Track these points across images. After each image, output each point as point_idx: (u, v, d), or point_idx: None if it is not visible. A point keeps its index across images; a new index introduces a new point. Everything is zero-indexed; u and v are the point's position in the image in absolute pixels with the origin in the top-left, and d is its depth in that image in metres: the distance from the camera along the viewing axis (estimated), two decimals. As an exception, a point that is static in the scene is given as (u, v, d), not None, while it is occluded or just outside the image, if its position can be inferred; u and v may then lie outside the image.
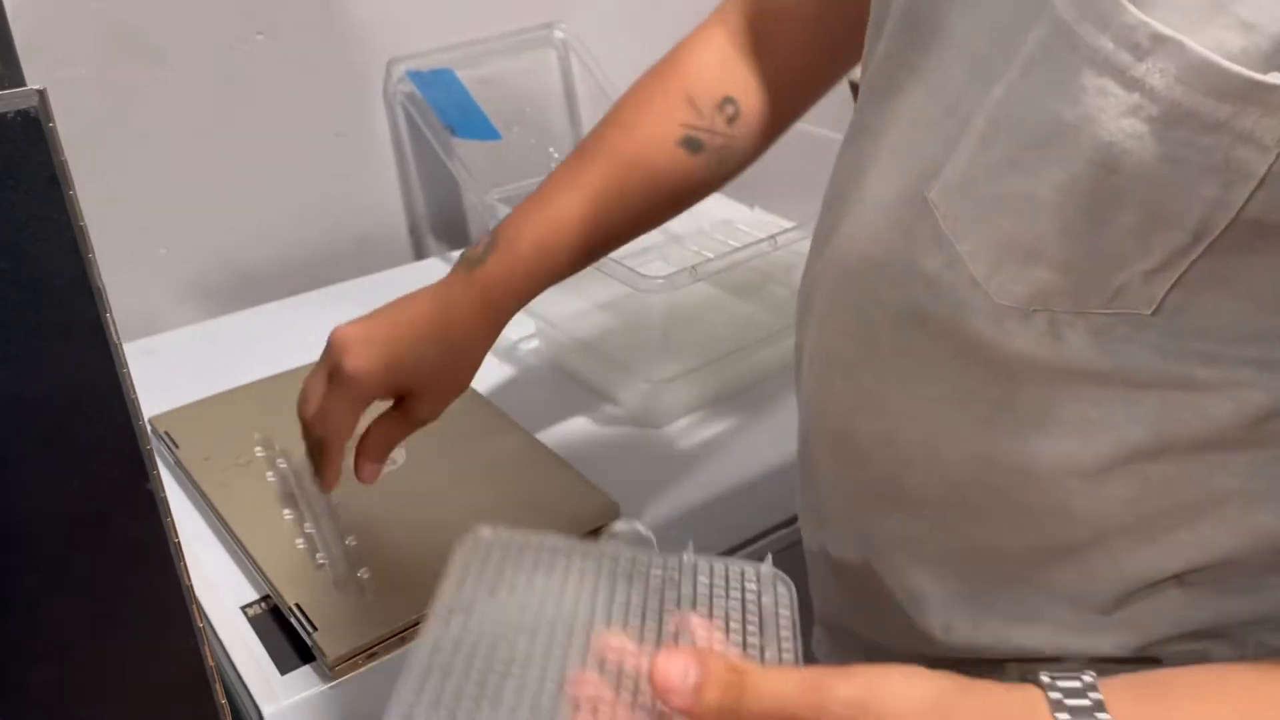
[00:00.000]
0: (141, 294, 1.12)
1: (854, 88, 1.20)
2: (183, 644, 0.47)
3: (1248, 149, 0.36)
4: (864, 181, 0.52)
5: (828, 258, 0.56)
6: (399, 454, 0.73)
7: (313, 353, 0.99)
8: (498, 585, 0.47)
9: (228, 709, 0.49)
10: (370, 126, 1.21)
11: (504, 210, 1.09)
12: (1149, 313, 0.42)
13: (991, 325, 0.46)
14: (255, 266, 1.18)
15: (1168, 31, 0.37)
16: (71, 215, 0.36)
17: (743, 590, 0.47)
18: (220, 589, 0.76)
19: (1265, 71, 0.35)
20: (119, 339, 0.39)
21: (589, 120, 1.35)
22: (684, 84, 0.69)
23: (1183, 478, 0.46)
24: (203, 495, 0.83)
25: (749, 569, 0.48)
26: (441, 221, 1.31)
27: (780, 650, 0.43)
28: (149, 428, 0.47)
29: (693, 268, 0.89)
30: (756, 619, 0.45)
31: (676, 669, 0.38)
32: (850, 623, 0.63)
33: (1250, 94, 0.36)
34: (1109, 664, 0.51)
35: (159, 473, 0.42)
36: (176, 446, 0.87)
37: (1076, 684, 0.39)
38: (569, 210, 0.67)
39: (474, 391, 0.94)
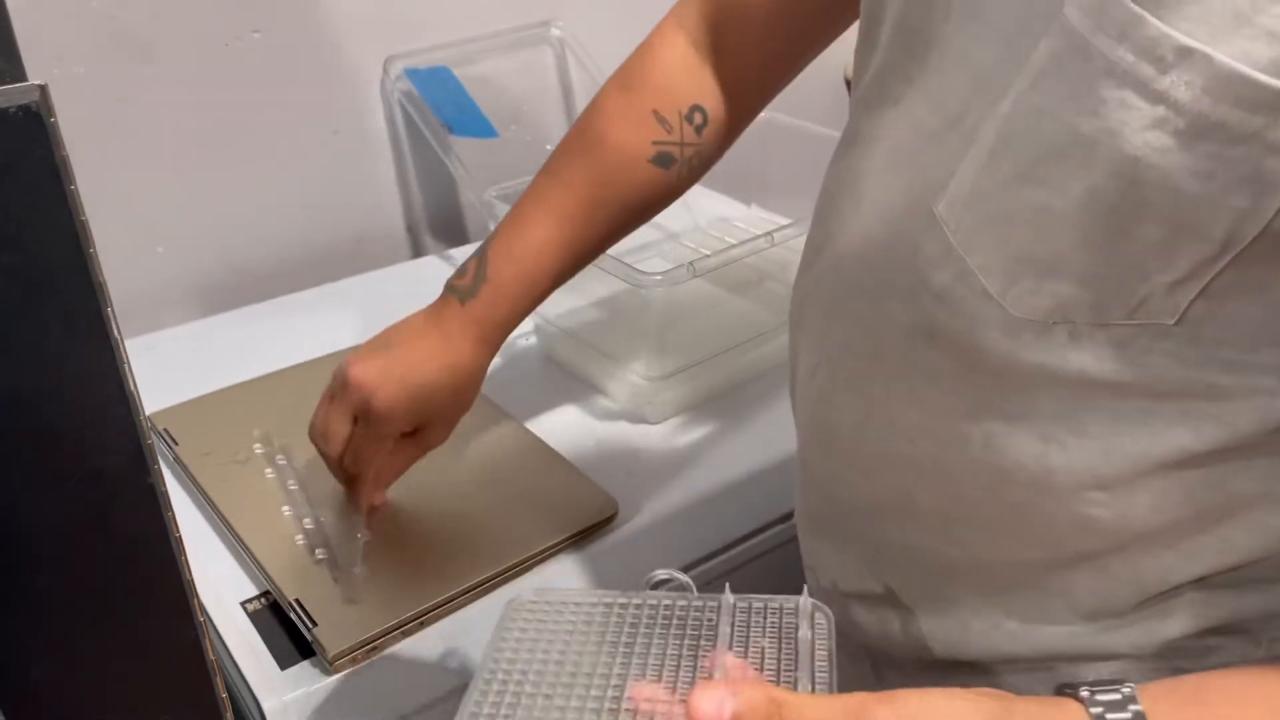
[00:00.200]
0: (139, 292, 1.12)
1: (850, 86, 1.20)
2: (184, 638, 0.47)
3: (1278, 159, 0.36)
4: (860, 193, 0.52)
5: (824, 269, 0.55)
6: None
7: (310, 350, 1.00)
8: (538, 645, 0.48)
9: (228, 703, 0.50)
10: (367, 124, 1.21)
11: (502, 208, 1.09)
12: (1172, 323, 0.41)
13: (1006, 338, 0.45)
14: (252, 264, 1.19)
15: (1193, 44, 0.36)
16: (73, 210, 0.36)
17: (780, 624, 0.47)
18: (220, 585, 0.76)
19: None
20: (120, 334, 0.39)
21: (586, 118, 1.35)
22: (651, 97, 0.70)
23: (1203, 484, 0.45)
24: (202, 492, 0.83)
25: (788, 603, 0.48)
26: (439, 219, 1.31)
27: (814, 682, 0.43)
28: (148, 424, 0.47)
29: (690, 264, 0.89)
30: (793, 652, 0.45)
31: (712, 703, 0.37)
32: (851, 629, 0.63)
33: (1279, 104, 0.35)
34: (1126, 661, 0.51)
35: (160, 467, 0.42)
36: (175, 443, 0.88)
37: (1116, 696, 0.39)
38: (549, 239, 0.70)
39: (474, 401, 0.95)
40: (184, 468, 0.85)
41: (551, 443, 0.89)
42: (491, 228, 1.11)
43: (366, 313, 1.09)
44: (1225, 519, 0.46)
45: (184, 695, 0.48)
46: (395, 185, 1.26)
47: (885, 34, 0.51)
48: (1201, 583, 0.49)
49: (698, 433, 0.93)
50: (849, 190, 0.53)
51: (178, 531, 0.44)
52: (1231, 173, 0.37)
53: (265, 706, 0.67)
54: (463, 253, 1.24)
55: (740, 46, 0.69)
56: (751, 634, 0.47)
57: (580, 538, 0.80)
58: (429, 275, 1.20)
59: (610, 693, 0.44)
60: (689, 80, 0.70)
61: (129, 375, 0.40)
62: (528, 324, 1.04)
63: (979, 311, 0.46)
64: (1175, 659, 0.51)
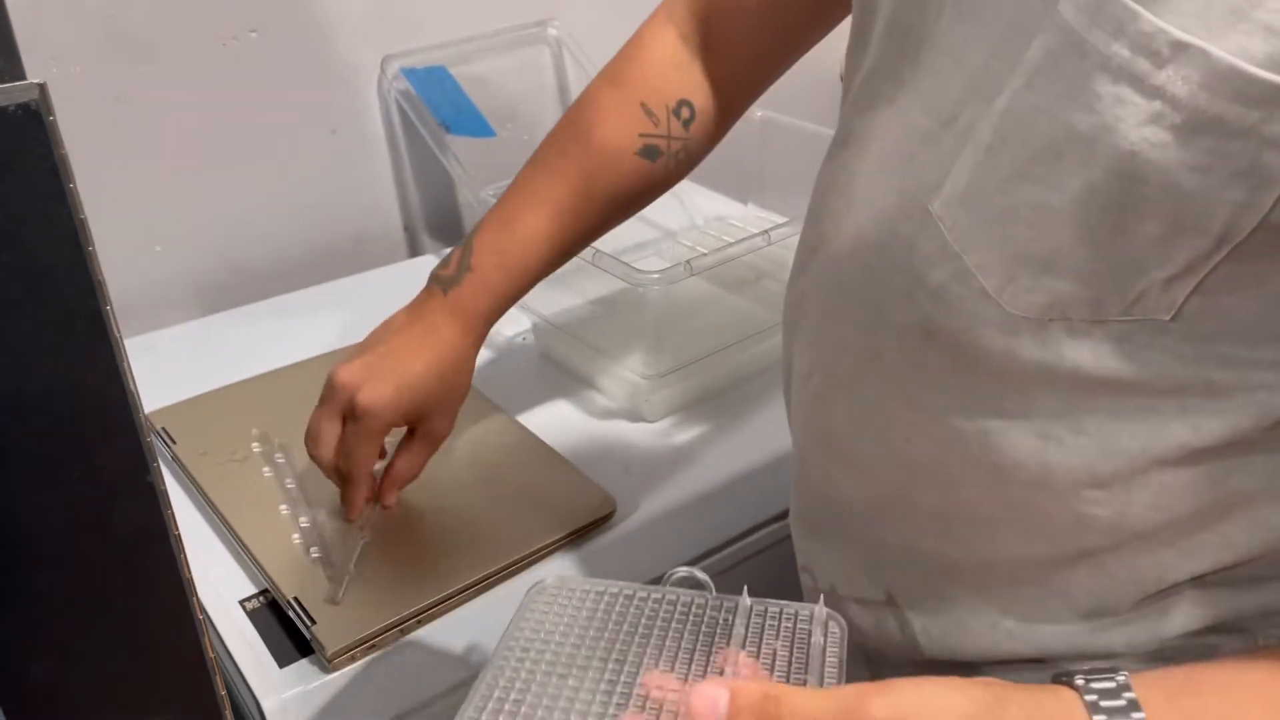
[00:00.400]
0: (138, 291, 1.12)
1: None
2: (183, 637, 0.47)
3: (1275, 153, 0.36)
4: (854, 194, 0.52)
5: (818, 270, 0.55)
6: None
7: (308, 349, 1.00)
8: (556, 629, 0.49)
9: (227, 701, 0.50)
10: (365, 124, 1.21)
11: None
12: (1168, 318, 0.41)
13: (1004, 336, 0.45)
14: (250, 264, 1.19)
15: (1189, 39, 0.36)
16: (72, 208, 0.36)
17: (794, 630, 0.48)
18: (218, 583, 0.76)
19: None
20: (119, 332, 0.39)
21: (583, 117, 1.35)
22: (639, 90, 0.70)
23: (1202, 481, 0.45)
24: (200, 490, 0.83)
25: (803, 610, 0.49)
26: (436, 218, 1.32)
27: (824, 686, 0.44)
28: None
29: (687, 263, 0.90)
30: (804, 657, 0.46)
31: (709, 697, 0.38)
32: (852, 633, 0.63)
33: (1277, 99, 0.35)
34: (1122, 659, 0.51)
35: (159, 465, 0.42)
36: (173, 442, 0.88)
37: (1110, 684, 0.39)
38: (534, 228, 0.71)
39: (470, 387, 0.95)
40: (182, 466, 0.85)
41: (549, 441, 0.89)
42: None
43: (364, 312, 1.09)
44: (1223, 516, 0.46)
45: (183, 693, 0.49)
46: (392, 184, 1.26)
47: (877, 33, 0.51)
48: (1199, 581, 0.49)
49: (695, 431, 0.93)
50: (842, 191, 0.53)
51: (176, 530, 0.44)
52: (1228, 167, 0.37)
53: (264, 705, 0.68)
54: (460, 252, 1.24)
55: (730, 41, 0.69)
56: (765, 636, 0.48)
57: (577, 535, 0.80)
58: (426, 274, 1.20)
59: (623, 679, 0.45)
60: (677, 75, 0.70)
61: (128, 374, 0.40)
62: (524, 322, 1.04)
63: (976, 309, 0.46)
64: (1172, 658, 0.51)
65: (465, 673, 0.74)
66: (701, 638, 0.48)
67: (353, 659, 0.69)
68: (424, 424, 0.73)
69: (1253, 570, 0.48)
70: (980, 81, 0.44)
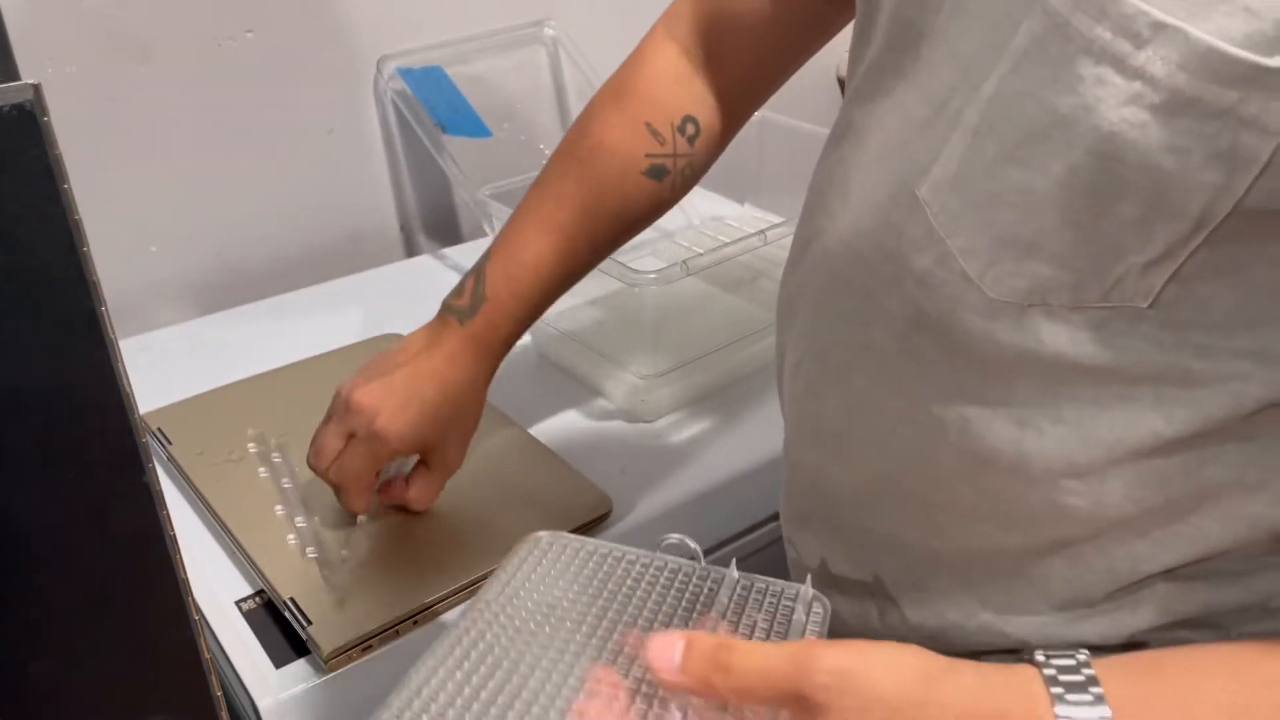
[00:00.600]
0: (133, 291, 1.12)
1: (842, 85, 1.20)
2: (179, 637, 0.47)
3: (1252, 134, 0.37)
4: (850, 186, 0.52)
5: (813, 261, 0.56)
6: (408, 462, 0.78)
7: (304, 349, 1.00)
8: (542, 581, 0.49)
9: (223, 701, 0.50)
10: (361, 124, 1.21)
11: (496, 207, 1.09)
12: (1146, 305, 0.42)
13: (985, 321, 0.46)
14: (247, 264, 1.19)
15: (1168, 19, 0.37)
16: (67, 209, 0.36)
17: (778, 606, 0.48)
18: (214, 584, 0.76)
19: (1270, 56, 0.35)
20: (114, 333, 0.39)
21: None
22: (643, 109, 0.70)
23: (1176, 472, 0.46)
24: (196, 491, 0.83)
25: (789, 588, 0.49)
26: (433, 218, 1.32)
27: None
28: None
29: (684, 263, 0.90)
30: (784, 632, 0.47)
31: (665, 645, 0.41)
32: (831, 620, 0.63)
33: (1255, 79, 0.36)
34: (1095, 652, 0.52)
35: (155, 466, 0.42)
36: (169, 443, 0.88)
37: (1070, 661, 0.40)
38: (544, 252, 0.71)
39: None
40: (178, 467, 0.85)
41: (545, 440, 0.89)
42: (485, 227, 1.13)
43: (360, 312, 1.10)
44: (1197, 508, 0.47)
45: (179, 694, 0.49)
46: (389, 185, 1.26)
47: (880, 27, 0.51)
48: (1172, 574, 0.49)
49: (691, 430, 0.93)
50: (839, 184, 0.53)
51: (172, 530, 0.44)
52: (1206, 148, 0.37)
53: (260, 705, 0.68)
54: (457, 252, 1.24)
55: (732, 52, 0.69)
56: (748, 609, 0.48)
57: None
58: (423, 275, 1.21)
59: (597, 636, 0.46)
60: (680, 90, 0.71)
61: (123, 375, 0.40)
62: (522, 323, 1.05)
63: (959, 295, 0.46)
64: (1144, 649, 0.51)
65: (462, 673, 0.74)
66: (684, 604, 0.48)
67: (349, 659, 0.69)
68: (437, 453, 0.74)
69: (1226, 564, 0.49)
70: (970, 69, 0.45)
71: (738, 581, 0.50)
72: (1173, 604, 0.50)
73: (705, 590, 0.49)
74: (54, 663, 0.44)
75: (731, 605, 0.48)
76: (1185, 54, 0.37)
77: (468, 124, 1.19)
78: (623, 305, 1.02)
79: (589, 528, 0.81)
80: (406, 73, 1.18)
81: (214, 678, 0.48)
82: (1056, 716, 0.39)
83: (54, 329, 0.38)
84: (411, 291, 1.17)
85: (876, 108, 0.51)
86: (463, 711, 0.43)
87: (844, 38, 0.62)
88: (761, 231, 0.93)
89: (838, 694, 0.39)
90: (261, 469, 0.85)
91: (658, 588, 0.50)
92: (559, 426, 0.93)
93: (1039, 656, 0.41)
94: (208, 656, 0.48)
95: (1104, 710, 0.39)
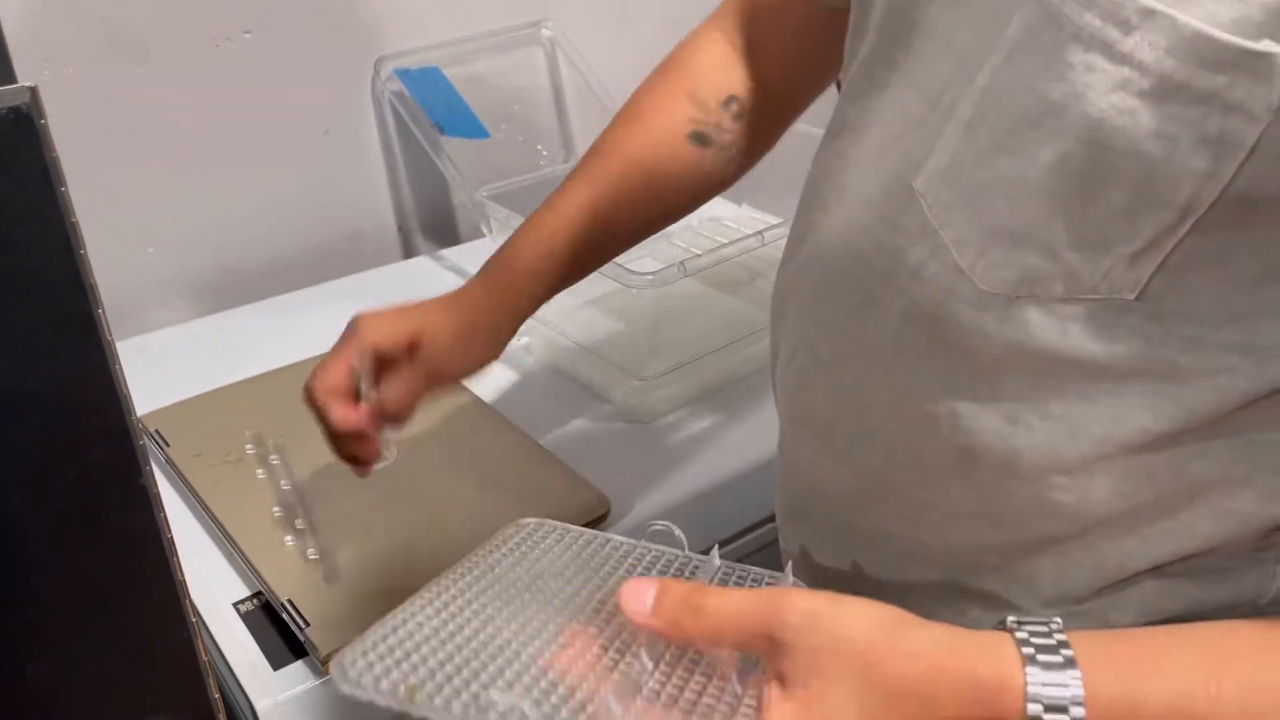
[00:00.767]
0: (131, 292, 1.12)
1: (839, 86, 1.20)
2: (176, 639, 0.47)
3: (1238, 119, 0.37)
4: (845, 181, 0.53)
5: (807, 256, 0.56)
6: (391, 451, 0.74)
7: (302, 351, 1.00)
8: (520, 562, 0.50)
9: (221, 703, 0.50)
10: (358, 125, 1.21)
11: (493, 208, 1.10)
12: (1133, 297, 0.42)
13: (976, 313, 0.46)
14: (244, 265, 1.19)
15: (1156, 5, 0.37)
16: (64, 211, 0.36)
17: None
18: (212, 586, 0.76)
19: (1256, 40, 0.36)
20: (111, 335, 0.39)
21: (576, 117, 1.35)
22: (688, 82, 0.71)
23: (1164, 468, 0.46)
24: (193, 493, 0.83)
25: (770, 577, 0.49)
26: (430, 219, 1.32)
27: None
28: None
29: (681, 264, 0.90)
30: None
31: (638, 592, 0.42)
32: None
33: (1242, 63, 0.36)
34: None
35: (152, 468, 0.43)
36: (167, 445, 0.88)
37: (1043, 628, 0.41)
38: (574, 202, 0.69)
39: (464, 388, 0.95)
40: (176, 469, 0.85)
41: (543, 441, 0.89)
42: (483, 228, 1.13)
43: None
44: (1185, 504, 0.47)
45: (177, 696, 0.49)
46: (386, 185, 1.26)
47: (873, 22, 0.52)
48: (1159, 571, 0.49)
49: (689, 431, 0.93)
50: (834, 179, 0.54)
51: (169, 533, 0.44)
52: (1192, 134, 0.38)
53: (258, 707, 0.68)
54: (454, 253, 1.24)
55: (774, 43, 0.70)
56: None
57: (572, 537, 0.80)
58: (420, 275, 1.21)
59: (576, 603, 0.46)
60: (725, 72, 0.71)
61: (120, 377, 0.40)
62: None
63: (952, 287, 0.46)
64: None
65: (460, 674, 0.74)
66: None
67: (347, 661, 0.69)
68: (425, 354, 0.68)
69: (1213, 562, 0.49)
70: (964, 61, 0.45)
71: (719, 568, 0.50)
72: (1160, 602, 0.50)
73: (687, 575, 0.49)
74: (52, 665, 0.44)
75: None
76: (1173, 39, 0.37)
77: (465, 125, 1.19)
78: (621, 306, 1.03)
79: (587, 528, 0.80)
80: (404, 73, 1.18)
81: (212, 679, 0.49)
82: (1027, 676, 0.39)
83: (51, 331, 0.38)
84: (409, 292, 1.15)
85: (871, 103, 0.52)
86: (436, 649, 0.42)
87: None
88: (759, 232, 0.93)
89: (805, 633, 0.40)
90: (259, 470, 0.85)
91: (639, 570, 0.50)
92: (557, 427, 0.93)
93: (1011, 621, 0.41)
94: (205, 658, 0.48)
95: (1074, 673, 0.39)
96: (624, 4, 1.35)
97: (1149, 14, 0.37)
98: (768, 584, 0.49)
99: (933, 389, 0.49)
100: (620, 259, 0.89)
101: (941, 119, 0.46)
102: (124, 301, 1.11)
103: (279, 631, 0.72)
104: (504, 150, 1.29)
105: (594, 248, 0.71)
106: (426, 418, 0.91)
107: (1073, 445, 0.46)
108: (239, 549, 0.77)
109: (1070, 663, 0.39)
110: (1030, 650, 0.40)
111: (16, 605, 0.42)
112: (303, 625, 0.70)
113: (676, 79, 0.71)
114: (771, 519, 0.90)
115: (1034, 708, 0.39)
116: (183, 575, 0.45)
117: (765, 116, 0.72)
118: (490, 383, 0.97)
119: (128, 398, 0.40)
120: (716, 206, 1.27)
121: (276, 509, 0.80)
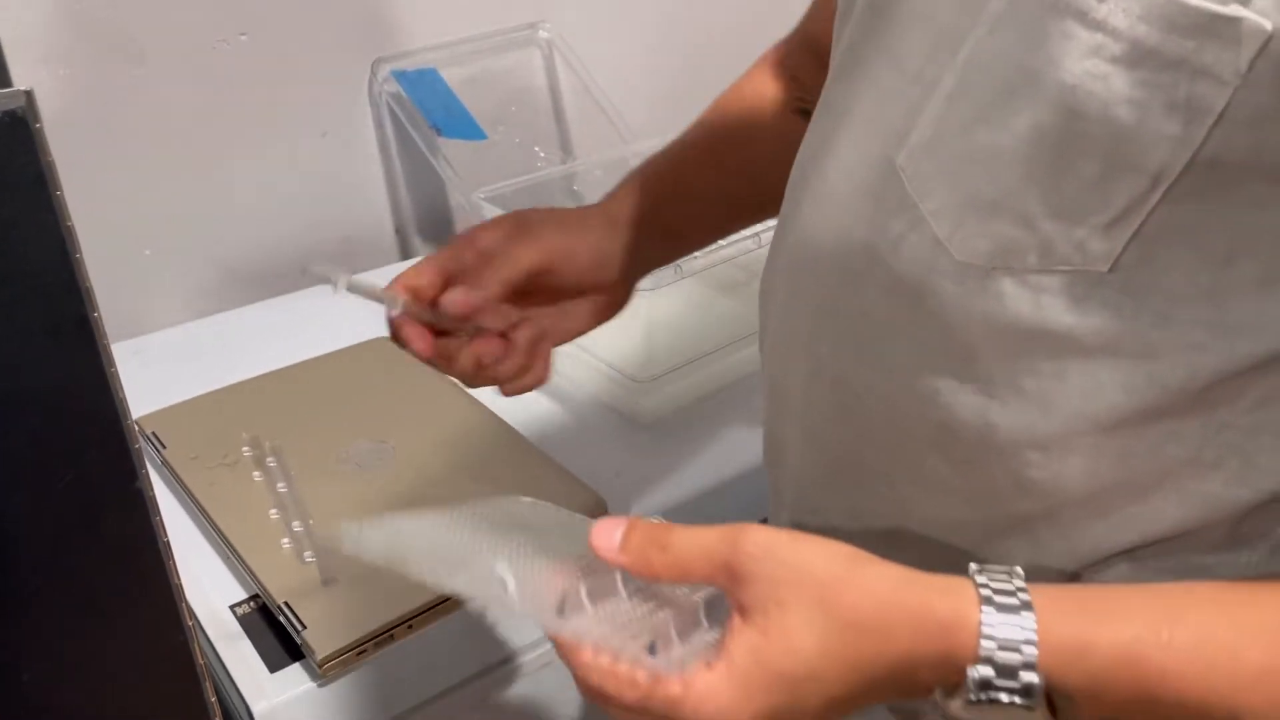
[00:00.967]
0: (127, 295, 1.12)
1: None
2: (172, 642, 0.47)
3: (1207, 84, 0.37)
4: (827, 159, 0.53)
5: (791, 239, 0.56)
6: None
7: (299, 353, 1.00)
8: (514, 513, 0.52)
9: (217, 707, 0.50)
10: (356, 126, 1.21)
11: (490, 209, 1.09)
12: (1106, 270, 0.43)
13: (953, 286, 0.46)
14: (241, 266, 1.18)
15: None
16: (59, 215, 0.36)
17: None
18: (208, 588, 0.76)
19: (1224, 4, 0.36)
20: (107, 339, 0.39)
21: (574, 118, 1.35)
22: (789, 69, 0.72)
23: (1135, 449, 0.46)
24: (190, 495, 0.83)
25: None
26: (427, 221, 1.31)
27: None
28: (135, 428, 0.48)
29: (678, 265, 0.90)
30: None
31: (608, 527, 0.45)
32: None
33: (1210, 27, 0.37)
34: None
35: (148, 472, 0.42)
36: (163, 447, 0.87)
37: (1003, 573, 0.42)
38: (685, 139, 0.70)
39: (461, 389, 0.95)
40: (172, 471, 0.85)
41: (540, 443, 0.89)
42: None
43: (354, 315, 1.09)
44: (1156, 487, 0.47)
45: (173, 699, 0.49)
46: (383, 187, 1.26)
47: (860, 4, 0.52)
48: (1132, 557, 0.50)
49: (686, 433, 0.93)
50: (819, 159, 0.54)
51: (165, 536, 0.44)
52: (1163, 99, 0.38)
53: (255, 710, 0.67)
54: (451, 254, 1.24)
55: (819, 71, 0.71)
56: None
57: (570, 539, 0.80)
58: (418, 277, 1.20)
59: (555, 554, 0.48)
60: (820, 63, 0.72)
61: (116, 380, 0.40)
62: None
63: (930, 259, 0.47)
64: None
65: (457, 677, 0.74)
66: None
67: (344, 664, 0.69)
68: (546, 280, 0.64)
69: (1187, 550, 0.49)
70: (946, 37, 0.46)
71: None
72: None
73: None
74: (47, 669, 0.44)
75: None
76: (1146, 5, 0.38)
77: (462, 126, 1.19)
78: (618, 308, 1.02)
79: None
80: (401, 75, 1.18)
81: (208, 683, 0.48)
82: (982, 614, 0.40)
83: (46, 335, 0.38)
84: (406, 294, 1.16)
85: (854, 84, 0.52)
86: (432, 537, 0.46)
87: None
88: (756, 234, 0.94)
89: (766, 565, 0.42)
90: (256, 473, 0.85)
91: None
92: (554, 429, 0.93)
93: (973, 567, 0.42)
94: (202, 661, 0.48)
95: (1029, 615, 0.40)
96: (621, 5, 1.35)
97: None
98: None
99: (910, 363, 0.50)
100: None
101: (923, 94, 0.47)
102: (121, 303, 1.11)
103: (276, 634, 0.72)
104: (501, 152, 1.29)
105: (697, 185, 0.69)
106: (424, 420, 0.91)
107: (1046, 421, 0.47)
108: (235, 551, 0.77)
109: (1026, 606, 0.40)
110: (988, 593, 0.41)
111: (11, 609, 0.42)
112: (300, 628, 0.70)
113: (774, 67, 0.72)
114: (766, 522, 0.90)
115: (987, 645, 0.40)
116: (179, 578, 0.45)
117: None
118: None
119: (124, 401, 0.40)
120: (714, 208, 1.26)
121: (273, 511, 0.80)
